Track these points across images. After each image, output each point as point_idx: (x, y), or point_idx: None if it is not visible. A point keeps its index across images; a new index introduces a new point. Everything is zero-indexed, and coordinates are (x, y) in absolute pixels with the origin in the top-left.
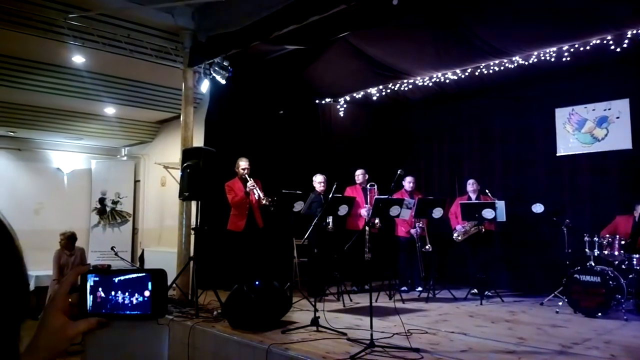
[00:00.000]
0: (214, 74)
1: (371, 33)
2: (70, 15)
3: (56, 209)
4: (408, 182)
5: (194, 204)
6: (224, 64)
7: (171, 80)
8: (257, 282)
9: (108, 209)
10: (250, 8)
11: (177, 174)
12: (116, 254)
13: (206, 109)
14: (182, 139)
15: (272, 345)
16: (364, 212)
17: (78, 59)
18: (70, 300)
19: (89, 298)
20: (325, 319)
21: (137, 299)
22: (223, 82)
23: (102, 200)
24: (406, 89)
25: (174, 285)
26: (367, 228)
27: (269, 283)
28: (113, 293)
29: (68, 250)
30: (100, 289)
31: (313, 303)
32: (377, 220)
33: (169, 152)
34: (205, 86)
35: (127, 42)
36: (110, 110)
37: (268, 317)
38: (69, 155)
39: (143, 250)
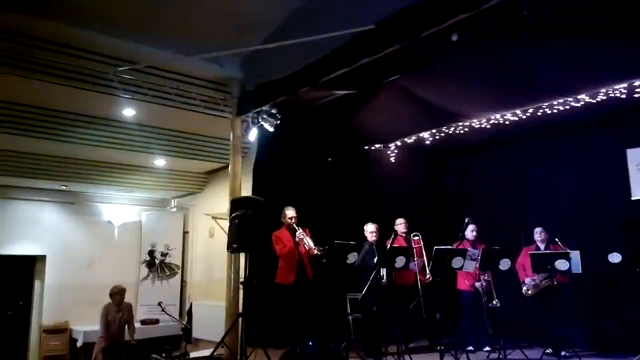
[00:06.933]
0: (262, 122)
1: (423, 74)
2: (120, 69)
3: (107, 262)
4: (471, 231)
5: (242, 255)
6: (272, 111)
7: (219, 130)
8: (310, 343)
9: (157, 261)
10: (300, 53)
11: (226, 224)
12: (163, 309)
13: (254, 157)
14: (230, 188)
15: None
16: (412, 265)
17: (128, 112)
18: None
19: None
20: None
21: None
22: (271, 129)
23: (151, 253)
24: (461, 131)
25: (222, 344)
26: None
27: (324, 343)
28: None
29: (117, 305)
30: None
31: None
32: (427, 273)
33: (217, 202)
34: (253, 135)
35: (176, 93)
36: (160, 162)
37: None
38: (119, 207)
39: (191, 304)
